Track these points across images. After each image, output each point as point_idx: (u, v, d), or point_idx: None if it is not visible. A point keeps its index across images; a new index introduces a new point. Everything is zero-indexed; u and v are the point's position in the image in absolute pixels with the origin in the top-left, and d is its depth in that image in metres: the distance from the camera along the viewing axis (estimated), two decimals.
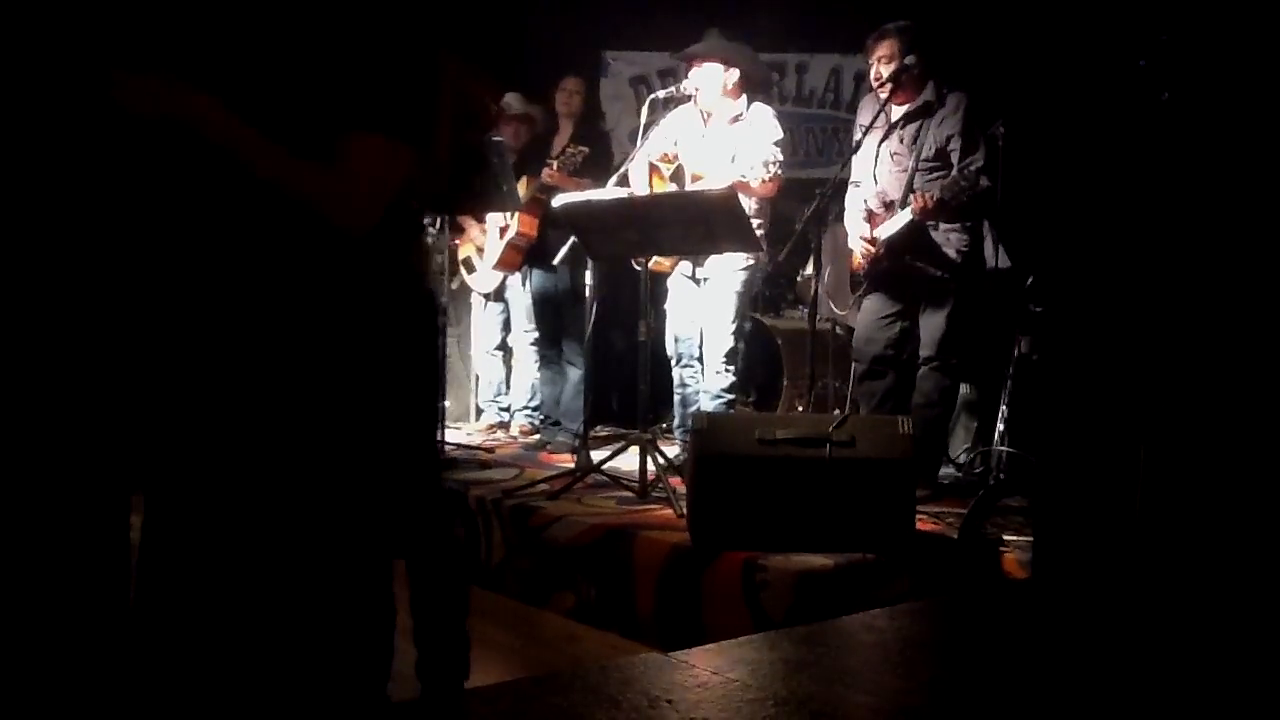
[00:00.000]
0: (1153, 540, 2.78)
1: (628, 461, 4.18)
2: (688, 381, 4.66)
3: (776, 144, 4.37)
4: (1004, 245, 4.37)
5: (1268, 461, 2.69)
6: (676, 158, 4.49)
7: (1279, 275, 2.75)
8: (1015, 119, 4.01)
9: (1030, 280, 4.20)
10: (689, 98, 4.53)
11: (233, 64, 1.80)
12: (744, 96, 4.47)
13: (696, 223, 3.88)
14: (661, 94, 4.59)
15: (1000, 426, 4.30)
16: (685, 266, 4.56)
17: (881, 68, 4.12)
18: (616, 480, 4.12)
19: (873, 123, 4.17)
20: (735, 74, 4.43)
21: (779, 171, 4.35)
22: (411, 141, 1.82)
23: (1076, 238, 3.17)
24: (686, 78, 4.54)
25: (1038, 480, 3.61)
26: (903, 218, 4.02)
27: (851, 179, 4.37)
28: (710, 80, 4.41)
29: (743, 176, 4.25)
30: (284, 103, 1.77)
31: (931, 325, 4.14)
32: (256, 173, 1.74)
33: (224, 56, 1.81)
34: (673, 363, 4.70)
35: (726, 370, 4.47)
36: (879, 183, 4.21)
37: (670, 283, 4.67)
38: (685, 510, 3.49)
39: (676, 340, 4.67)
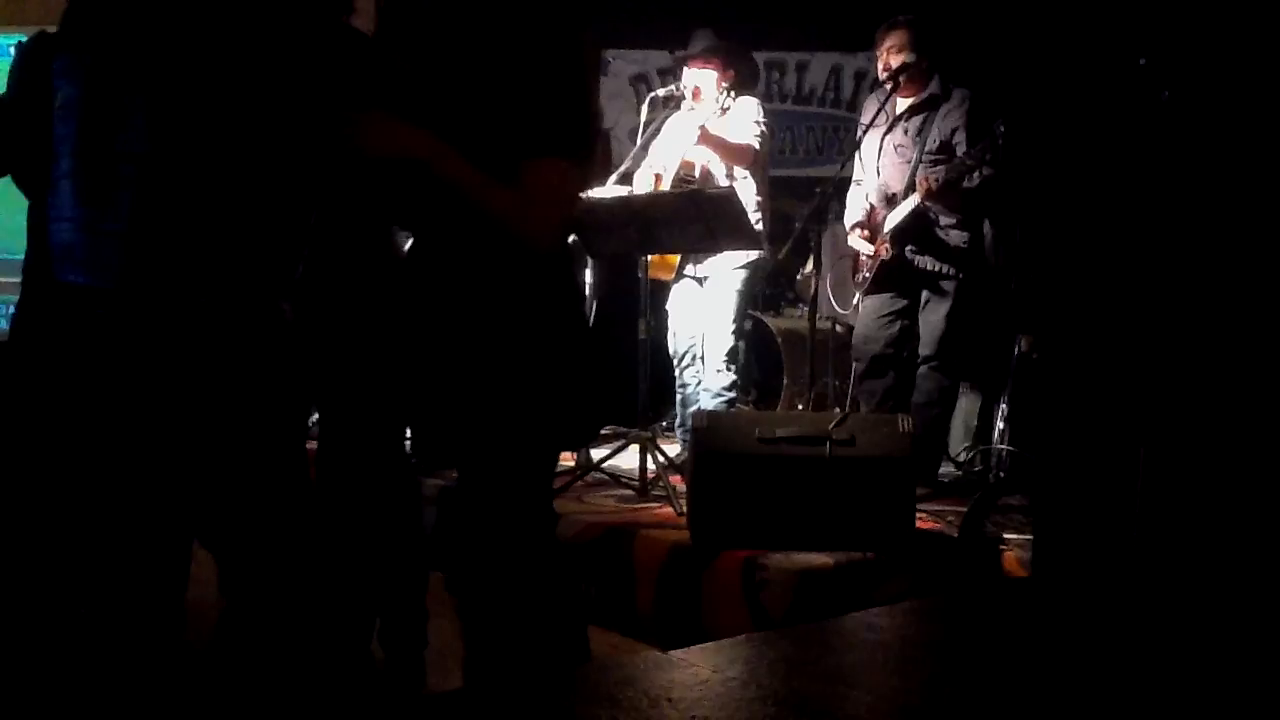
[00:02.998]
0: (1153, 540, 2.78)
1: (628, 460, 4.18)
2: (689, 381, 4.66)
3: (758, 122, 4.38)
4: (1004, 244, 4.38)
5: (1267, 462, 2.69)
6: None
7: (1278, 275, 2.75)
8: (1015, 118, 4.01)
9: (1030, 279, 4.20)
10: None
11: (425, 105, 1.98)
12: (730, 93, 4.48)
13: (696, 221, 3.88)
14: (661, 93, 4.60)
15: (1000, 426, 4.30)
16: (689, 270, 4.56)
17: (891, 58, 4.11)
18: (616, 478, 4.12)
19: (874, 119, 4.17)
20: (731, 73, 4.44)
21: (762, 133, 4.34)
22: (583, 161, 2.03)
23: (1076, 237, 3.17)
24: (683, 77, 4.55)
25: (1038, 479, 3.61)
26: (909, 204, 4.03)
27: (854, 178, 4.38)
28: (709, 80, 4.41)
29: (715, 128, 4.25)
30: (471, 133, 1.95)
31: (931, 324, 4.14)
32: (470, 198, 1.94)
33: (418, 99, 1.99)
34: (674, 362, 4.70)
35: (727, 369, 4.47)
36: (881, 175, 4.22)
37: (672, 289, 4.67)
38: (685, 509, 3.49)
39: (678, 339, 4.67)
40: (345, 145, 1.90)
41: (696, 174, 4.36)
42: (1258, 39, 2.81)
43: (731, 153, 4.33)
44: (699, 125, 4.24)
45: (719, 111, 4.34)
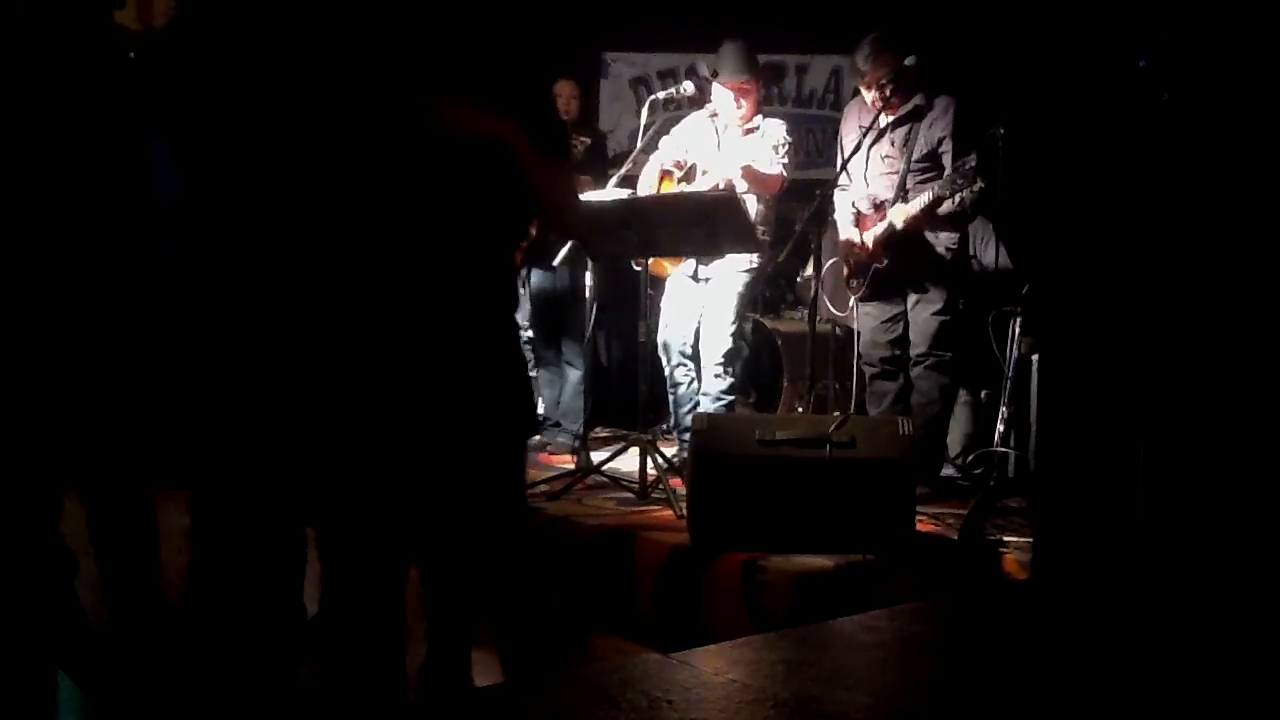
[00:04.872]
0: (1153, 540, 2.78)
1: (628, 462, 4.18)
2: (680, 380, 4.63)
3: (783, 148, 4.38)
4: (1005, 245, 4.37)
5: (1268, 462, 2.69)
6: (687, 164, 4.49)
7: (1278, 275, 2.75)
8: (1015, 119, 4.01)
9: (1030, 281, 4.20)
10: (688, 99, 4.53)
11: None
12: (758, 112, 4.47)
13: (697, 223, 3.88)
14: (661, 95, 4.60)
15: (1000, 426, 4.30)
16: (687, 266, 4.55)
17: (882, 80, 4.06)
18: (616, 481, 4.12)
19: (864, 135, 4.15)
20: (760, 84, 4.45)
21: (785, 164, 4.35)
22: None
23: (1076, 238, 3.17)
24: (686, 79, 4.54)
25: (1038, 480, 3.61)
26: (895, 221, 4.04)
27: (839, 184, 4.37)
28: (744, 107, 4.40)
29: (754, 162, 4.24)
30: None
31: (920, 322, 4.16)
32: (531, 176, 2.14)
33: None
34: (664, 360, 4.65)
35: (725, 374, 4.45)
36: (870, 185, 4.22)
37: (668, 281, 4.65)
38: (685, 511, 3.49)
39: (669, 330, 4.62)
40: (435, 128, 2.04)
41: (722, 185, 4.35)
42: (1258, 40, 2.81)
43: (765, 185, 4.33)
44: (743, 165, 4.23)
45: (779, 150, 4.34)
